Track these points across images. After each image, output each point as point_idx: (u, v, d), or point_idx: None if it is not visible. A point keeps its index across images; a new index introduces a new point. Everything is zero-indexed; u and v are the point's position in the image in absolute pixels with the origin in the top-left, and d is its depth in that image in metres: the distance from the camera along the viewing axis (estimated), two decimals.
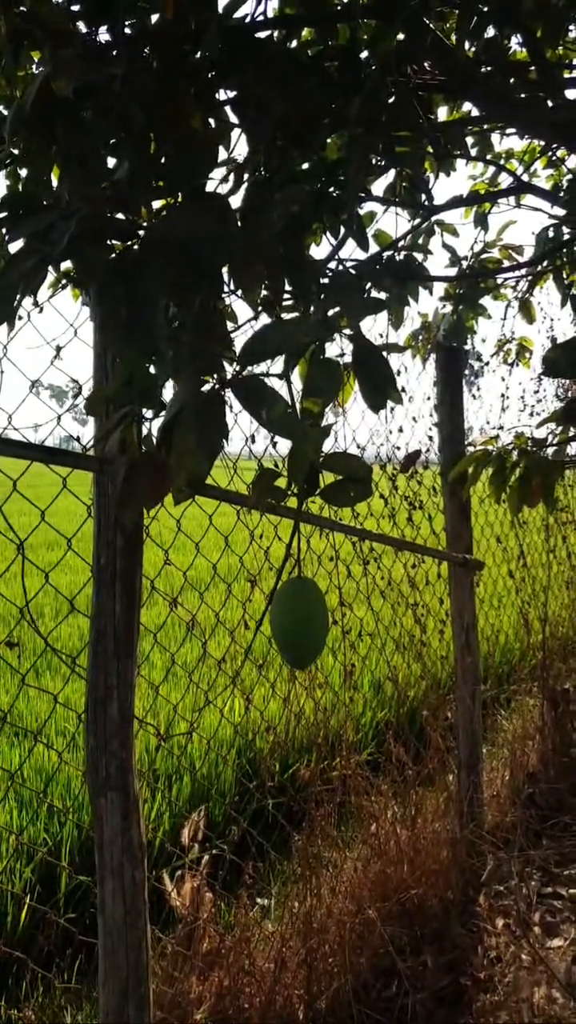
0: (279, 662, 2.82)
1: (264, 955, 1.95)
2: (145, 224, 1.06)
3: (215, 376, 0.97)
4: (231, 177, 1.69)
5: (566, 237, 2.25)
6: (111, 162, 1.20)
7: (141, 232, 1.02)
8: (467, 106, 2.49)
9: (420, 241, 2.40)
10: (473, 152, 2.59)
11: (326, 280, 1.31)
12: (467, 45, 1.61)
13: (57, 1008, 2.04)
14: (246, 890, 2.04)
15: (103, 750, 1.36)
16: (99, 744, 1.36)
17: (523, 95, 1.58)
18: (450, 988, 2.13)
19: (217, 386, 0.90)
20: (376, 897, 2.22)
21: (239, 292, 1.30)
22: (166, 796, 2.78)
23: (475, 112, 2.54)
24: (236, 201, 1.34)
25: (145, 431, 1.14)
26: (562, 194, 2.42)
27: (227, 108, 1.32)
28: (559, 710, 3.66)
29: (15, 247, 0.98)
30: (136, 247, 1.03)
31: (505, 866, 2.62)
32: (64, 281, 1.91)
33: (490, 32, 1.62)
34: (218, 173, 1.65)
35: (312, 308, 1.27)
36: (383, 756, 2.66)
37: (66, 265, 1.60)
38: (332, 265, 1.26)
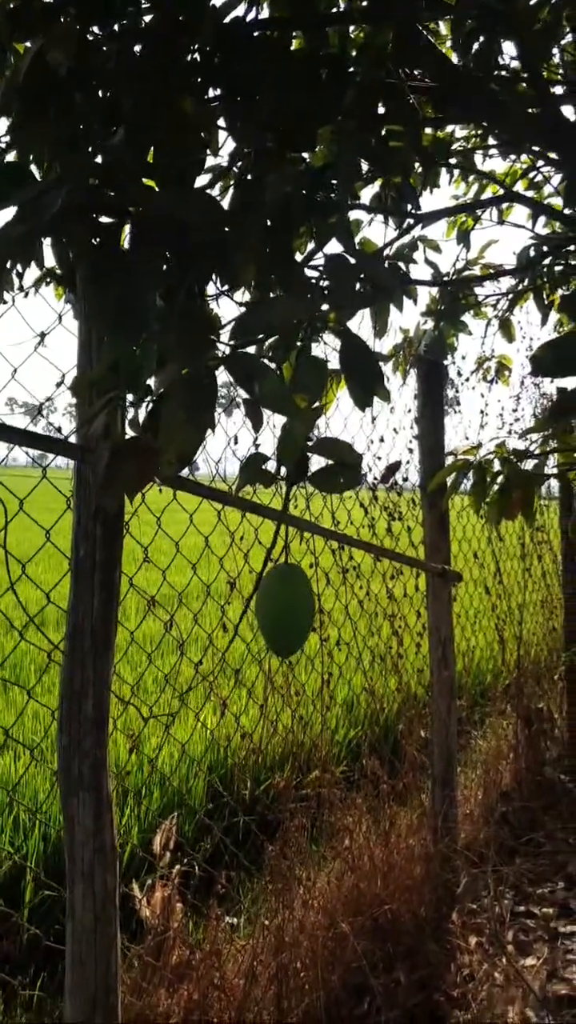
0: (255, 673, 2.78)
1: (235, 969, 1.89)
2: (136, 207, 1.05)
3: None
4: (217, 186, 1.70)
5: (545, 249, 2.28)
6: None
7: (131, 209, 1.01)
8: (449, 128, 2.53)
9: (404, 253, 2.42)
10: (456, 172, 2.63)
11: (314, 279, 1.31)
12: (457, 59, 1.63)
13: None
14: (217, 903, 1.99)
15: (76, 748, 1.32)
16: (73, 742, 1.32)
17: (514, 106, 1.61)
18: (423, 1005, 2.09)
19: (208, 363, 0.89)
20: (349, 912, 2.18)
21: (226, 288, 1.29)
22: (136, 808, 2.72)
23: (459, 132, 2.59)
24: (223, 205, 1.33)
25: (130, 416, 1.12)
26: (549, 200, 2.44)
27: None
28: (532, 729, 3.66)
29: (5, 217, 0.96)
30: (125, 226, 1.02)
31: (479, 883, 2.59)
32: (48, 279, 1.90)
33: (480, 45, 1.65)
34: (204, 180, 1.65)
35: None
36: (357, 771, 2.63)
37: (49, 263, 1.59)
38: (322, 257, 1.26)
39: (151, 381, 1.07)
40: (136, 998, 1.61)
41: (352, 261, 1.04)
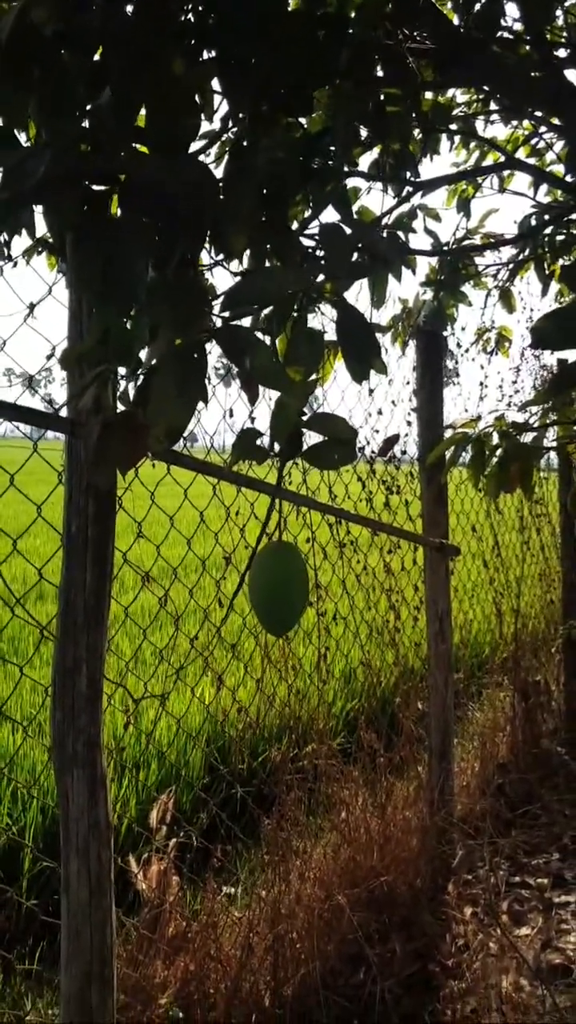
0: (251, 646, 2.78)
1: (231, 941, 1.91)
2: (125, 171, 1.02)
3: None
4: (212, 152, 1.65)
5: (546, 218, 2.23)
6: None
7: (120, 177, 0.98)
8: (450, 93, 2.47)
9: (404, 222, 2.37)
10: (457, 139, 2.57)
11: (310, 249, 1.28)
12: (458, 20, 1.58)
13: (17, 996, 1.99)
14: (214, 875, 2.00)
15: (70, 725, 1.32)
16: (66, 718, 1.32)
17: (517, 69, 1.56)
18: (418, 975, 2.11)
19: (199, 337, 0.86)
20: (345, 884, 2.20)
21: (219, 256, 1.26)
22: (133, 781, 2.73)
23: (460, 98, 2.53)
24: (218, 173, 1.30)
25: (121, 390, 1.09)
26: (551, 168, 2.39)
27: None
28: (529, 702, 3.67)
29: None
30: (115, 193, 0.99)
31: (474, 854, 2.61)
32: (40, 248, 1.86)
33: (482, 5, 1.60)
34: (198, 147, 1.61)
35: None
36: (354, 743, 2.64)
37: (41, 231, 1.56)
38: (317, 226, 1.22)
39: (142, 354, 1.05)
40: (132, 970, 1.62)
41: (348, 231, 1.01)
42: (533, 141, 2.84)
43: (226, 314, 0.93)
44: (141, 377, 1.06)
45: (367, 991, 1.99)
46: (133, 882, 1.78)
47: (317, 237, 1.26)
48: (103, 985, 1.34)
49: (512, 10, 1.92)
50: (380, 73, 1.34)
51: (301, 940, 2.00)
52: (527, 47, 1.64)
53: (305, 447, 1.06)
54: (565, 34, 2.13)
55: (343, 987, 2.01)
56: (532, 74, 1.62)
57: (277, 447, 0.98)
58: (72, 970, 1.33)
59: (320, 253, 1.14)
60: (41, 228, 1.58)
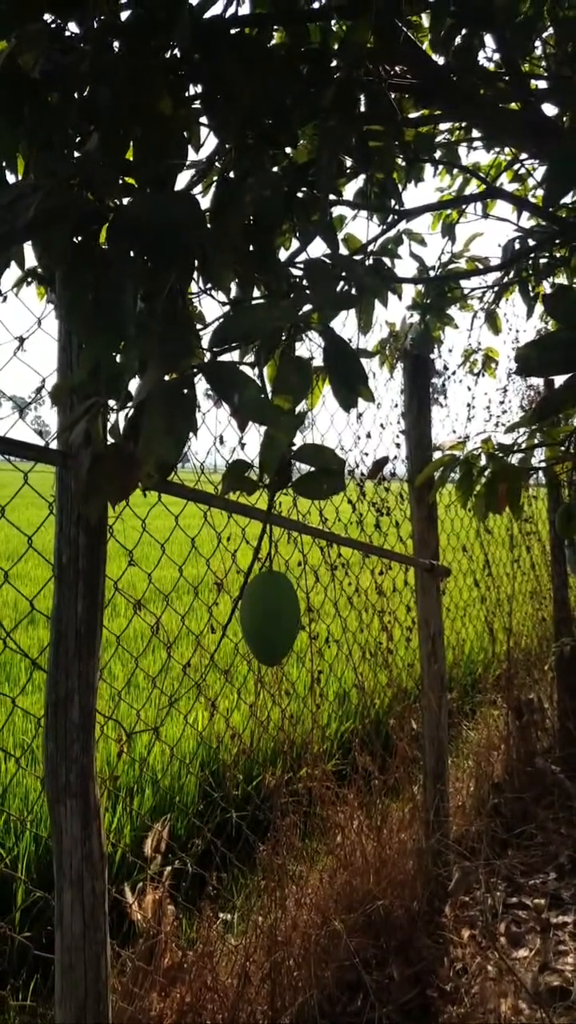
0: (244, 671, 2.78)
1: (227, 970, 1.90)
2: (114, 207, 1.03)
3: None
4: (200, 185, 1.67)
5: (530, 243, 2.27)
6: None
7: (109, 216, 1.00)
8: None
9: (389, 248, 2.41)
10: (440, 165, 2.61)
11: (296, 279, 1.30)
12: (438, 55, 1.61)
13: None
14: (209, 903, 1.98)
15: (63, 755, 1.31)
16: (59, 748, 1.31)
17: (494, 103, 1.59)
18: (416, 1000, 2.10)
19: (187, 372, 0.87)
20: (341, 909, 2.19)
21: (208, 287, 1.28)
22: (128, 808, 2.72)
23: (443, 125, 2.57)
24: (204, 204, 1.32)
25: (111, 422, 1.10)
26: (532, 199, 2.43)
27: (197, 106, 1.30)
28: (523, 720, 3.67)
29: None
30: (104, 229, 1.00)
31: (471, 876, 2.60)
32: (29, 279, 1.87)
33: (461, 40, 1.63)
34: (185, 177, 1.63)
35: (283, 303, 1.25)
36: (349, 766, 2.63)
37: (31, 263, 1.57)
38: (303, 259, 1.24)
39: (133, 384, 1.06)
40: (128, 1003, 1.60)
41: (330, 265, 1.03)
42: (515, 167, 2.89)
43: (217, 348, 0.94)
44: (131, 409, 1.07)
45: (365, 1018, 1.98)
46: (128, 912, 1.77)
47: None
48: (98, 1019, 1.33)
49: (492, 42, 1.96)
50: (363, 108, 1.37)
51: (298, 967, 1.99)
52: (505, 79, 1.68)
53: (295, 476, 1.07)
54: (544, 64, 2.17)
55: (341, 1015, 1.99)
56: (511, 106, 1.66)
57: (267, 478, 0.99)
58: (66, 1005, 1.31)
59: (307, 283, 1.15)
60: (30, 259, 1.60)
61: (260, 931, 2.01)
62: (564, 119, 1.60)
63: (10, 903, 2.31)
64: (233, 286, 1.34)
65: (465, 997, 2.10)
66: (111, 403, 1.12)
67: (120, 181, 1.17)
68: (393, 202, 1.96)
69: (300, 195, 1.53)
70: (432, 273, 2.71)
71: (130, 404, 1.05)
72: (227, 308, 1.33)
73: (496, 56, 1.77)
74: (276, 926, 2.01)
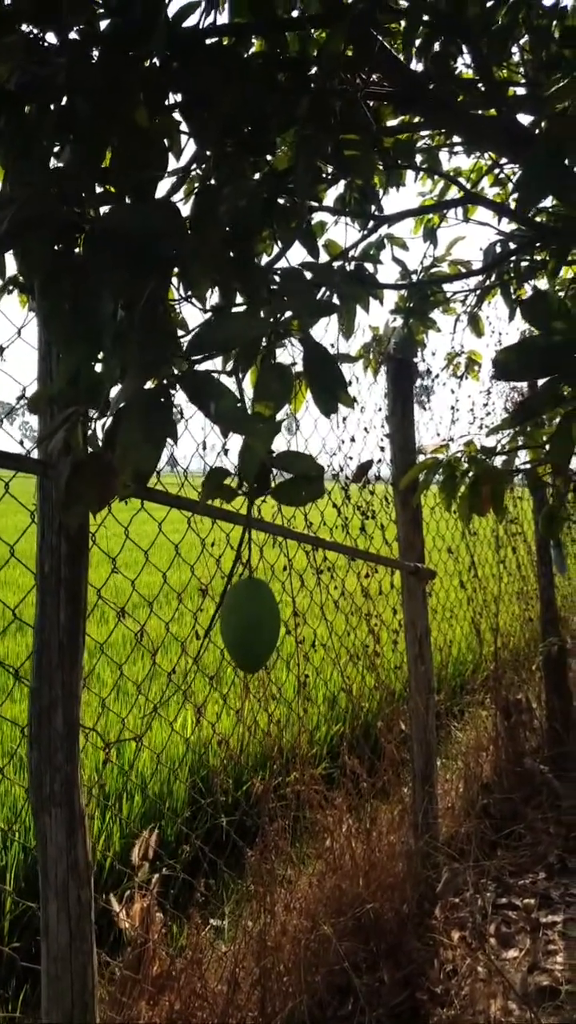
0: (231, 676, 2.78)
1: (217, 976, 1.89)
2: (92, 216, 1.04)
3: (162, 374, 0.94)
4: (180, 191, 1.68)
5: (512, 247, 2.29)
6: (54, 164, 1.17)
7: (87, 226, 1.00)
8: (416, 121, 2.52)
9: (371, 253, 2.42)
10: (421, 171, 2.62)
11: (276, 286, 1.30)
12: (415, 63, 1.63)
13: None
14: (198, 909, 1.98)
15: (47, 764, 1.31)
16: (43, 757, 1.31)
17: (471, 110, 1.61)
18: (406, 1003, 2.10)
19: (164, 381, 0.88)
20: (331, 912, 2.19)
21: (188, 294, 1.28)
22: (116, 815, 2.71)
23: (423, 131, 2.58)
24: (185, 211, 1.32)
25: (91, 431, 1.11)
26: (512, 204, 2.46)
27: (175, 114, 1.31)
28: (511, 720, 3.68)
29: None
30: (82, 239, 1.01)
31: (460, 877, 2.60)
32: (11, 287, 1.87)
33: (438, 48, 1.64)
34: (166, 184, 1.64)
35: (263, 311, 1.25)
36: (338, 769, 2.64)
37: (12, 271, 1.57)
38: (283, 265, 1.25)
39: (114, 391, 1.06)
40: (116, 1012, 1.60)
41: (308, 275, 1.04)
42: (496, 171, 2.91)
43: (195, 357, 0.95)
44: (110, 418, 1.07)
45: (355, 1022, 1.98)
46: (116, 921, 1.77)
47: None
48: None
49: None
50: (340, 117, 1.37)
51: (288, 972, 1.99)
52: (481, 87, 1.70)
53: (275, 483, 1.08)
54: (522, 70, 2.19)
55: (331, 1019, 1.99)
56: (487, 112, 1.67)
57: (246, 486, 0.99)
58: (53, 1016, 1.31)
59: (284, 292, 1.16)
60: (12, 267, 1.59)
61: (250, 937, 2.01)
62: (539, 127, 1.62)
63: None
64: (214, 293, 1.34)
65: (455, 999, 2.10)
66: (91, 412, 1.12)
67: (99, 190, 1.18)
68: (373, 208, 1.97)
69: (280, 201, 1.53)
70: (415, 277, 2.73)
71: (109, 413, 1.05)
72: (208, 315, 1.33)
73: (472, 63, 1.78)
74: (266, 931, 2.01)
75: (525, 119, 1.61)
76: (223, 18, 1.46)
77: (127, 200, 1.16)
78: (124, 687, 4.14)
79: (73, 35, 1.18)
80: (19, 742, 3.28)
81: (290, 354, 1.49)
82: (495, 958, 2.31)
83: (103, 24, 1.20)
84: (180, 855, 2.16)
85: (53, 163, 1.18)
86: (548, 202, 2.36)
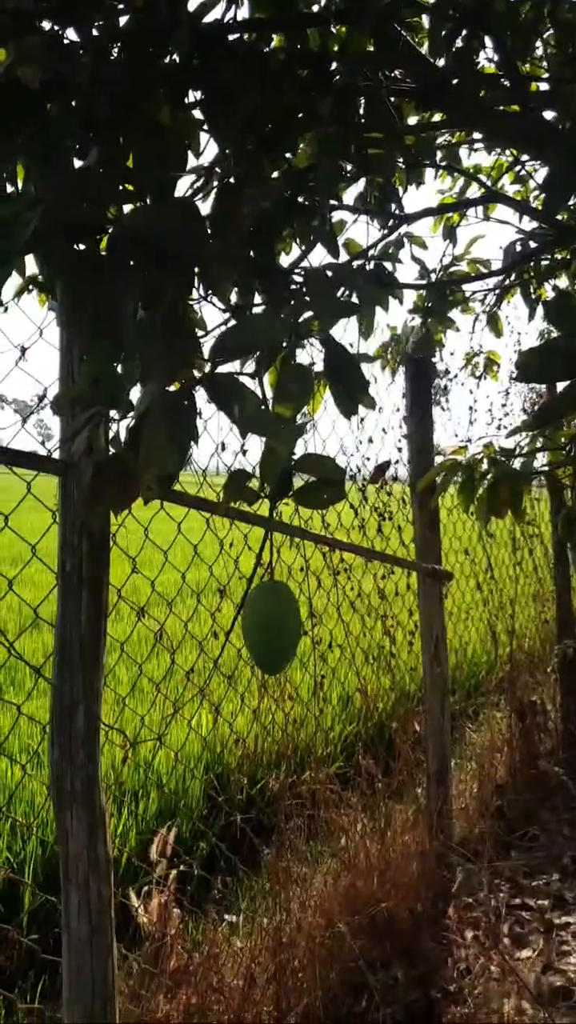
0: (248, 675, 2.78)
1: (233, 971, 1.90)
2: (113, 220, 1.04)
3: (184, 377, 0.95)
4: (201, 190, 1.68)
5: (533, 246, 2.27)
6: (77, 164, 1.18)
7: (109, 228, 1.00)
8: (437, 117, 2.52)
9: (390, 252, 2.41)
10: (441, 169, 2.61)
11: (296, 286, 1.30)
12: (438, 59, 1.62)
13: None
14: (215, 906, 1.99)
15: (68, 762, 1.32)
16: (64, 756, 1.32)
17: (494, 106, 1.60)
18: (420, 1001, 2.10)
19: (187, 383, 0.88)
20: (346, 911, 2.20)
21: (208, 295, 1.29)
22: (133, 812, 2.73)
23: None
24: (205, 209, 1.32)
25: (112, 432, 1.11)
26: (533, 202, 2.44)
27: (196, 112, 1.31)
28: (526, 722, 3.67)
29: None
30: (104, 242, 1.01)
31: (474, 877, 2.60)
32: (30, 286, 1.88)
33: (460, 44, 1.64)
34: (186, 182, 1.64)
35: (283, 312, 1.25)
36: (353, 769, 2.64)
37: (32, 270, 1.58)
38: (304, 266, 1.25)
39: (135, 392, 1.07)
40: (135, 1005, 1.61)
41: (329, 275, 1.04)
42: (517, 168, 2.90)
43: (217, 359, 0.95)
44: (132, 420, 1.08)
45: (370, 1019, 1.98)
46: (134, 915, 1.78)
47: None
48: (105, 1022, 1.34)
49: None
50: (363, 116, 1.37)
51: (303, 969, 2.00)
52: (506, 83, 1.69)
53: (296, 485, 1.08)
54: (545, 64, 2.17)
55: (346, 1016, 2.00)
56: (510, 109, 1.66)
57: (268, 489, 1.00)
58: (74, 1008, 1.33)
59: (307, 293, 1.16)
60: (31, 267, 1.60)
61: (265, 933, 2.01)
62: (563, 125, 1.61)
63: (17, 906, 2.32)
64: (234, 292, 1.34)
65: (469, 998, 2.10)
66: (113, 413, 1.13)
67: (121, 188, 1.18)
68: (393, 206, 1.97)
69: (300, 200, 1.53)
70: (433, 276, 2.72)
71: (131, 414, 1.06)
72: (227, 315, 1.33)
73: (497, 57, 1.77)
74: (281, 928, 2.02)
75: (547, 115, 1.61)
76: (242, 13, 1.46)
77: (148, 199, 1.17)
78: (141, 685, 4.16)
79: (95, 32, 1.19)
80: (39, 739, 3.31)
81: (309, 354, 1.50)
82: (509, 958, 2.31)
83: (122, 20, 1.20)
84: (196, 851, 2.17)
85: (75, 163, 1.19)
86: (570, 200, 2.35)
